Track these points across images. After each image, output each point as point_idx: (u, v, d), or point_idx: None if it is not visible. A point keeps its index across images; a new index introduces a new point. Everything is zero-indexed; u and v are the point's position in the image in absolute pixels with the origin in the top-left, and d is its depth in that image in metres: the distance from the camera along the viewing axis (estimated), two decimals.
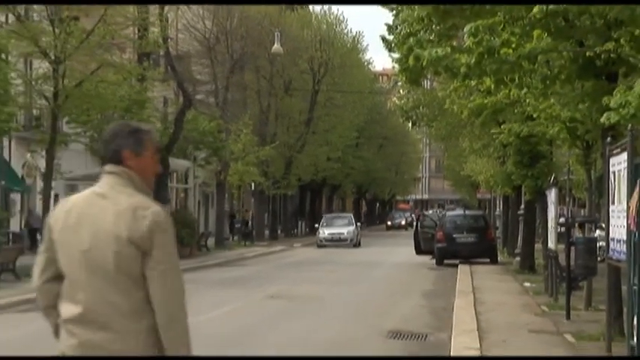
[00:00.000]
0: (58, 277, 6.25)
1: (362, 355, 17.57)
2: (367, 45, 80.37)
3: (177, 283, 6.07)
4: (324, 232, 71.39)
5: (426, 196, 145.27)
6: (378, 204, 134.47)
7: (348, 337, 19.87)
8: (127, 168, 6.23)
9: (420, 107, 44.05)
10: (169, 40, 50.10)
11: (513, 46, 17.96)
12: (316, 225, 76.81)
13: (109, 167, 6.33)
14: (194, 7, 57.18)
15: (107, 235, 6.11)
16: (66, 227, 6.28)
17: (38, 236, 39.69)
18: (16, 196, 47.14)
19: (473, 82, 21.31)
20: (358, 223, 75.52)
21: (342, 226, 72.16)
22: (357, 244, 70.77)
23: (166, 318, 5.92)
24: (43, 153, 40.02)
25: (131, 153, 6.07)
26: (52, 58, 36.25)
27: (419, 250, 50.63)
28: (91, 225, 6.22)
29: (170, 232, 6.21)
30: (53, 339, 17.81)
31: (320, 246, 69.14)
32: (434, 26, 20.23)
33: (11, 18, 38.11)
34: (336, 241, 69.34)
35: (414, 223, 60.50)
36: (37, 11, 38.31)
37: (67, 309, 6.19)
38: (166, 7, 48.40)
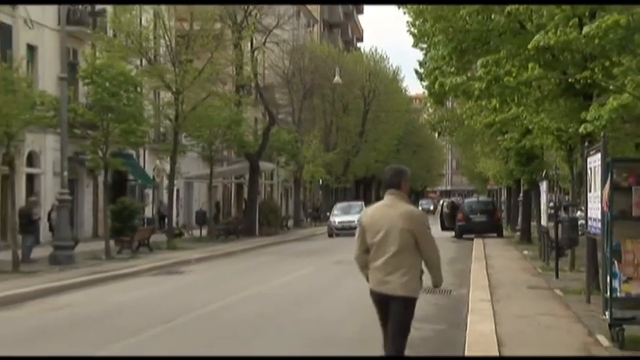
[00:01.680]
0: (367, 251, 9.33)
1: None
2: (404, 76, 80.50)
3: (436, 249, 9.29)
4: (335, 220, 53.05)
5: (449, 188, 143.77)
6: (413, 194, 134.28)
7: None
8: (401, 191, 9.39)
9: (444, 121, 43.96)
10: (258, 75, 50.28)
11: (513, 75, 17.91)
12: (328, 213, 59.83)
13: (391, 191, 9.46)
14: (276, 50, 57.30)
15: (394, 227, 9.15)
16: (371, 223, 9.41)
17: (165, 220, 39.91)
18: (148, 191, 47.60)
19: (483, 103, 21.23)
20: None
21: (353, 214, 50.35)
22: None
23: (435, 264, 9.22)
24: (168, 159, 40.47)
25: (405, 182, 9.37)
26: (174, 90, 36.69)
27: (443, 227, 50.42)
28: (386, 221, 9.29)
29: (426, 223, 9.48)
30: (172, 295, 17.83)
31: (331, 235, 51.74)
32: (453, 62, 20.17)
33: (144, 62, 38.48)
34: (347, 230, 49.22)
35: (440, 208, 60.54)
36: (162, 55, 38.67)
37: (375, 264, 9.27)
38: (256, 51, 48.68)
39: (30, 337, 13.60)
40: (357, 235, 9.74)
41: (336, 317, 16.02)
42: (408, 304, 9.14)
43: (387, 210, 9.29)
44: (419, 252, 9.16)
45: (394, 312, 9.28)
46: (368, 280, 9.48)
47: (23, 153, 33.67)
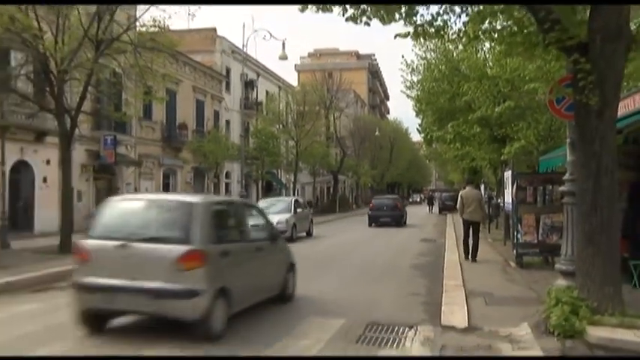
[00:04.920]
0: (463, 206, 12.25)
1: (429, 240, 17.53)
2: (411, 131, 79.18)
3: (484, 207, 13.56)
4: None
5: (434, 187, 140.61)
6: (412, 190, 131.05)
7: (407, 240, 19.71)
8: (474, 185, 12.77)
9: (431, 154, 43.93)
10: (337, 131, 50.60)
11: (466, 131, 17.93)
12: None
13: (471, 185, 12.92)
14: (345, 119, 57.27)
15: (475, 198, 12.32)
16: (466, 196, 12.29)
17: None
18: (283, 190, 48.10)
19: (451, 145, 21.22)
20: (301, 210, 21.44)
21: (275, 214, 17.67)
22: (292, 238, 18.27)
23: (484, 212, 12.73)
24: (292, 174, 40.85)
25: (476, 183, 11.54)
26: (295, 140, 37.13)
27: (430, 210, 49.74)
28: (471, 196, 12.21)
29: (482, 199, 12.97)
30: (306, 241, 16.66)
31: None
32: (437, 124, 20.25)
33: (281, 126, 39.02)
34: None
35: (427, 199, 59.40)
36: (289, 122, 39.18)
37: (467, 210, 12.35)
38: (336, 120, 48.89)
39: None
40: (459, 201, 12.64)
41: (379, 249, 16.25)
42: (478, 225, 12.63)
43: (471, 192, 12.51)
44: (480, 207, 12.53)
45: (474, 227, 12.51)
46: (462, 216, 12.60)
47: (223, 172, 34.32)
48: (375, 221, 28.06)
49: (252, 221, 7.61)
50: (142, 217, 6.27)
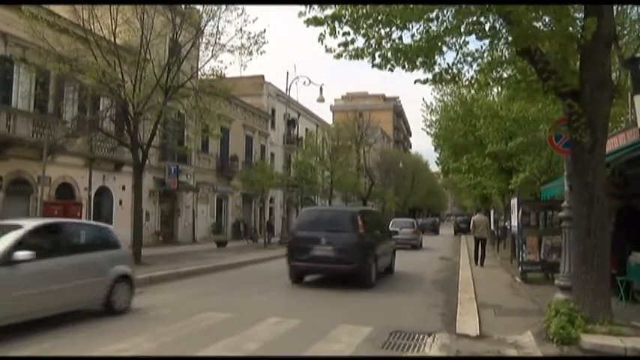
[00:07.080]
0: (474, 227, 14.92)
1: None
2: (430, 163, 78.70)
3: (489, 228, 15.95)
4: None
5: (449, 212, 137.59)
6: (430, 214, 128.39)
7: (428, 258, 19.30)
8: (484, 213, 12.40)
9: (447, 183, 43.41)
10: (366, 162, 50.58)
11: (478, 163, 17.84)
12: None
13: (480, 212, 15.21)
14: (374, 152, 57.17)
15: (483, 222, 14.62)
16: (476, 221, 14.46)
17: None
18: None
19: (465, 175, 21.06)
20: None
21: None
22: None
23: (488, 231, 14.03)
24: (327, 200, 40.80)
25: (483, 211, 13.75)
26: (330, 170, 37.23)
27: (454, 233, 48.56)
28: (481, 220, 14.72)
29: (488, 223, 15.11)
30: None
31: None
32: (452, 157, 20.16)
33: (317, 158, 39.26)
34: None
35: (454, 224, 58.40)
36: (325, 155, 39.42)
37: (477, 230, 14.94)
38: (366, 153, 48.91)
39: (276, 275, 13.56)
40: (471, 224, 14.78)
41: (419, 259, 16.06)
42: (485, 241, 14.40)
43: (480, 217, 14.60)
44: (487, 228, 14.28)
45: (481, 242, 14.28)
46: (473, 234, 14.61)
47: (268, 198, 34.13)
48: (422, 232, 37.26)
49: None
50: (404, 222, 25.42)
